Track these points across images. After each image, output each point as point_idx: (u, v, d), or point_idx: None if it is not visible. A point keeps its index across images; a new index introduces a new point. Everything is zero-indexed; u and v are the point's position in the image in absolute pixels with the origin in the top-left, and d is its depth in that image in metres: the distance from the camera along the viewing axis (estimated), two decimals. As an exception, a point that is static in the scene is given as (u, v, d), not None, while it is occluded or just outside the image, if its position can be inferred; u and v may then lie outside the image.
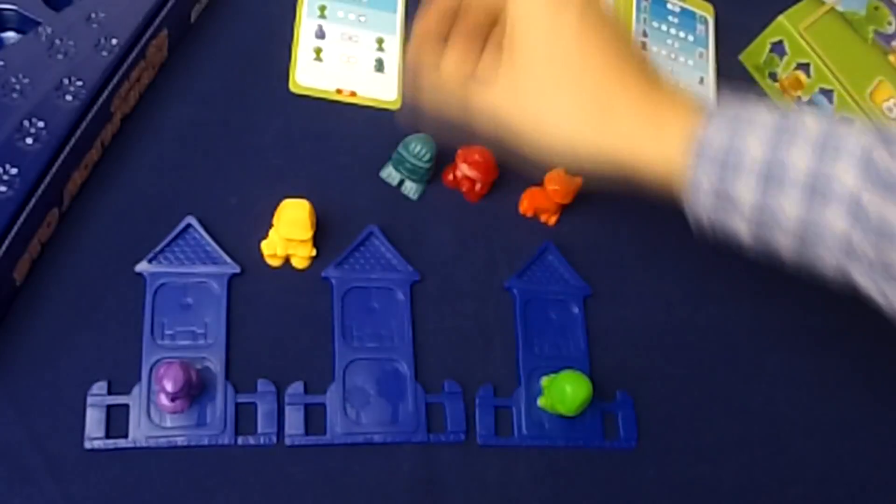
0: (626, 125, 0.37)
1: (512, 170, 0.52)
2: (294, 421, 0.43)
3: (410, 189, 0.50)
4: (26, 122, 0.41)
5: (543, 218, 0.52)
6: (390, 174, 0.50)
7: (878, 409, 0.53)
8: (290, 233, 0.44)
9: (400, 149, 0.48)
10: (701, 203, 0.37)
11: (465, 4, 0.42)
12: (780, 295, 0.54)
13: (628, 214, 0.54)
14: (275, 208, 0.45)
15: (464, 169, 0.50)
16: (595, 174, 0.39)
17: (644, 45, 0.57)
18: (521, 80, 0.39)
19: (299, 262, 0.46)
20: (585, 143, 0.38)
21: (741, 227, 0.36)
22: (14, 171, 0.40)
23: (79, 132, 0.42)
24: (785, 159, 0.34)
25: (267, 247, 0.46)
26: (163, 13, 0.47)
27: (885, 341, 0.54)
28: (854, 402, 0.53)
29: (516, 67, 0.39)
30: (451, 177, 0.51)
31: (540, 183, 0.50)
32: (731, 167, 0.35)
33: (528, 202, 0.51)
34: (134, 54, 0.45)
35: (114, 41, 0.44)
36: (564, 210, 0.52)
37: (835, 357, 0.54)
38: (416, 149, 0.47)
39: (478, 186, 0.50)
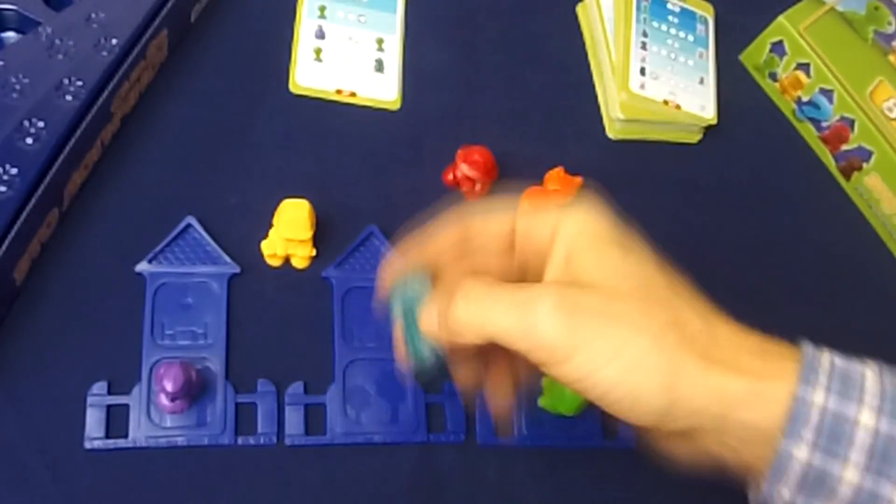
0: (736, 362, 0.31)
1: (513, 170, 0.52)
2: (294, 421, 0.43)
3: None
4: (26, 122, 0.41)
5: None
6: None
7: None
8: (290, 233, 0.44)
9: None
10: (804, 438, 0.30)
11: (471, 235, 0.35)
12: (781, 295, 0.54)
13: (628, 214, 0.54)
14: (275, 208, 0.45)
15: (464, 169, 0.50)
16: (666, 431, 0.32)
17: (644, 46, 0.57)
18: (599, 304, 0.30)
19: (299, 262, 0.46)
20: (689, 387, 0.30)
21: (852, 475, 0.29)
22: (14, 171, 0.40)
23: (79, 132, 0.42)
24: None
25: (267, 247, 0.46)
26: (163, 13, 0.47)
27: (885, 341, 0.54)
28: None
29: (592, 288, 0.31)
30: (451, 177, 0.51)
31: (540, 183, 0.50)
32: (837, 438, 0.29)
33: (527, 202, 0.51)
34: (134, 54, 0.45)
35: (114, 41, 0.44)
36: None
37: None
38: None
39: (478, 186, 0.50)
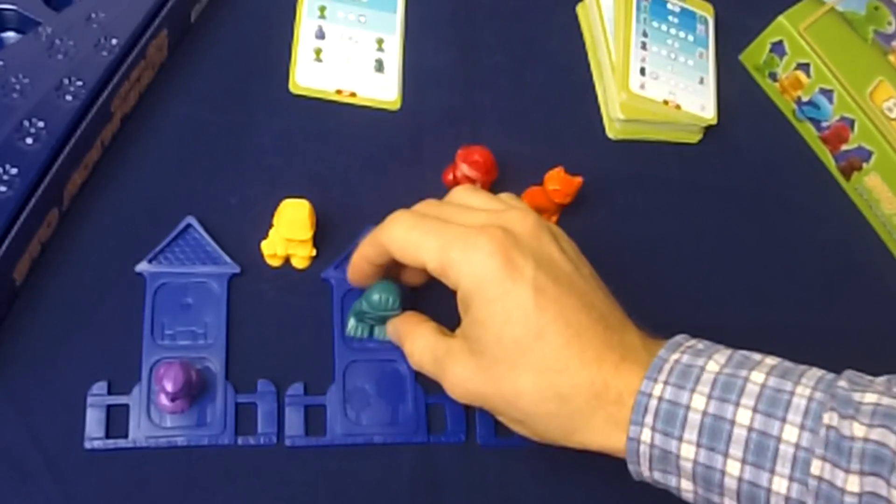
0: (580, 405, 0.37)
1: (513, 170, 0.52)
2: (294, 421, 0.43)
3: (385, 331, 0.46)
4: (26, 122, 0.41)
5: (543, 218, 0.52)
6: (357, 328, 0.45)
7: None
8: (290, 233, 0.44)
9: (363, 307, 0.43)
10: (642, 462, 0.36)
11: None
12: (780, 295, 0.54)
13: (628, 214, 0.54)
14: (275, 208, 0.45)
15: (464, 169, 0.50)
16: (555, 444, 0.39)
17: (644, 45, 0.57)
18: (490, 360, 0.38)
19: (299, 262, 0.46)
20: (546, 424, 0.38)
21: (687, 451, 0.35)
22: (14, 171, 0.40)
23: (79, 132, 0.42)
24: (728, 415, 0.34)
25: (267, 247, 0.46)
26: (163, 13, 0.47)
27: (885, 341, 0.54)
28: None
29: (475, 347, 0.38)
30: (451, 177, 0.51)
31: (540, 183, 0.50)
32: (674, 422, 0.35)
33: (527, 202, 0.51)
34: (134, 54, 0.45)
35: (114, 41, 0.44)
36: (564, 210, 0.52)
37: (835, 357, 0.54)
38: (379, 300, 0.42)
39: (478, 186, 0.50)
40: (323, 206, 0.47)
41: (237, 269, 0.45)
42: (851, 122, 0.56)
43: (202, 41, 0.52)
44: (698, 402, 0.34)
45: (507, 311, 0.36)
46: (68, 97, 0.42)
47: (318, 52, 0.53)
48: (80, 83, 0.43)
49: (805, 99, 0.59)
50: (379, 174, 0.51)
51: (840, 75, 0.56)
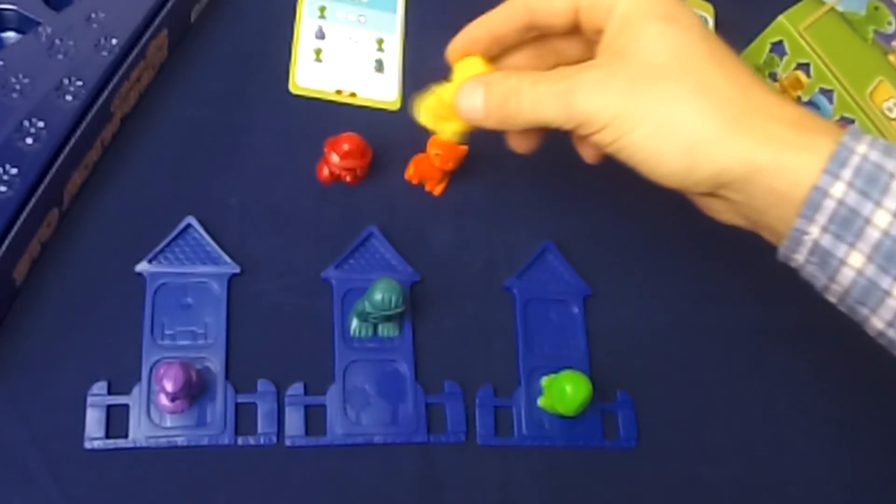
0: (766, 130, 0.32)
1: (512, 169, 0.52)
2: (294, 421, 0.43)
3: (389, 329, 0.46)
4: (26, 122, 0.41)
5: (429, 187, 0.51)
6: (360, 328, 0.45)
7: (878, 408, 0.53)
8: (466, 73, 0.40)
9: (365, 307, 0.43)
10: (817, 222, 0.32)
11: (535, 18, 0.38)
12: (781, 295, 0.54)
13: (628, 214, 0.54)
14: (274, 208, 0.45)
15: (336, 160, 0.48)
16: (692, 193, 0.36)
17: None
18: (636, 74, 0.34)
19: (443, 136, 0.42)
20: (711, 150, 0.33)
21: (855, 261, 0.32)
22: (14, 171, 0.40)
23: (79, 132, 0.42)
24: None
25: (427, 108, 0.42)
26: (163, 13, 0.47)
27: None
28: (854, 402, 0.53)
29: (631, 59, 0.34)
30: (325, 172, 0.49)
31: (425, 150, 0.49)
32: (880, 186, 0.31)
33: (414, 169, 0.50)
34: (134, 54, 0.45)
35: (114, 41, 0.44)
36: (564, 209, 0.52)
37: (835, 357, 0.54)
38: (381, 299, 0.41)
39: (358, 171, 0.49)
40: (323, 206, 0.47)
41: (237, 269, 0.45)
42: (851, 122, 0.56)
43: (202, 41, 0.52)
44: None
45: (673, 32, 0.34)
46: (68, 97, 0.42)
47: (318, 52, 0.53)
48: (80, 83, 0.43)
49: (805, 99, 0.59)
50: (379, 174, 0.50)
51: (840, 75, 0.56)
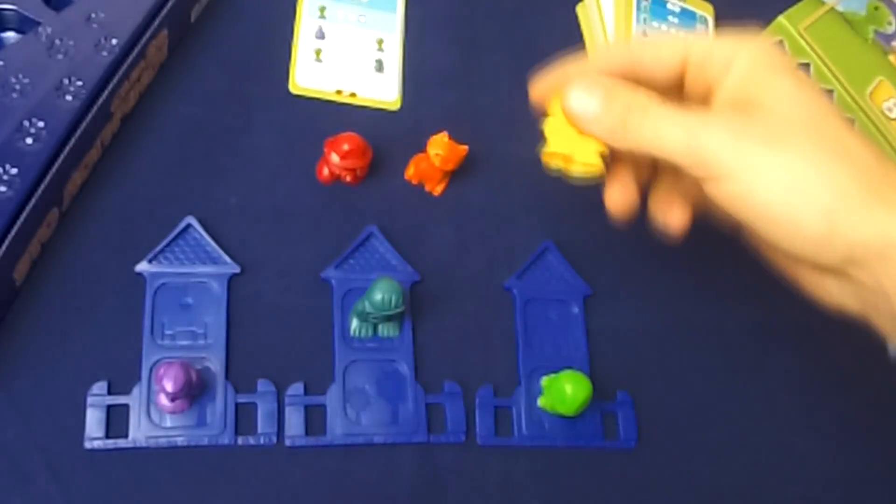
0: (858, 236, 0.30)
1: (512, 170, 0.52)
2: (294, 421, 0.43)
3: (389, 329, 0.46)
4: (26, 122, 0.41)
5: (429, 187, 0.50)
6: (360, 328, 0.45)
7: (878, 409, 0.53)
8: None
9: (365, 307, 0.43)
10: None
11: (638, 66, 0.36)
12: (780, 295, 0.54)
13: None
14: (274, 208, 0.45)
15: (336, 160, 0.47)
16: (816, 265, 0.33)
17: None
18: (774, 125, 0.31)
19: (578, 169, 0.38)
20: (852, 218, 0.30)
21: None
22: (14, 171, 0.40)
23: (79, 132, 0.42)
24: None
25: (554, 141, 0.37)
26: (163, 13, 0.47)
27: (885, 342, 0.54)
28: (854, 402, 0.53)
29: (766, 112, 0.32)
30: (325, 172, 0.49)
31: (425, 149, 0.49)
32: None
33: (414, 169, 0.50)
34: (134, 54, 0.45)
35: (114, 41, 0.44)
36: (564, 209, 0.52)
37: (835, 357, 0.54)
38: (382, 299, 0.41)
39: (358, 172, 0.49)
40: (323, 206, 0.47)
41: (237, 269, 0.45)
42: (851, 122, 0.56)
43: (202, 41, 0.52)
44: None
45: (810, 88, 0.32)
46: (68, 97, 0.42)
47: (318, 52, 0.53)
48: (80, 83, 0.43)
49: (805, 99, 0.59)
50: (379, 174, 0.50)
51: (840, 75, 0.56)
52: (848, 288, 0.32)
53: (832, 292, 0.34)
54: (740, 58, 0.33)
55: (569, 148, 0.37)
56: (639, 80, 0.36)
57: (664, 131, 0.33)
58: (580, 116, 0.35)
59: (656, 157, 0.34)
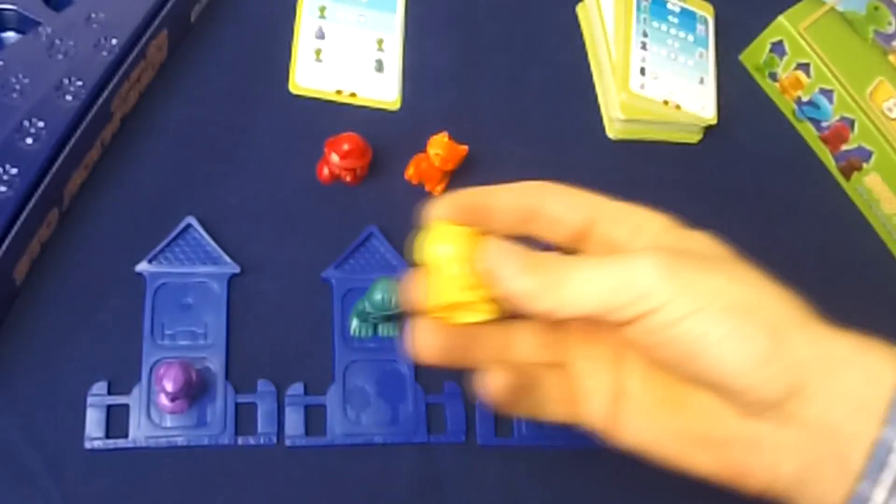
0: (835, 331, 0.30)
1: (512, 170, 0.52)
2: (294, 421, 0.43)
3: (389, 329, 0.45)
4: (26, 122, 0.41)
5: (429, 187, 0.50)
6: (360, 328, 0.45)
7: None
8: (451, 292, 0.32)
9: (365, 307, 0.43)
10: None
11: (540, 216, 0.34)
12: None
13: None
14: (274, 208, 0.45)
15: (336, 160, 0.47)
16: (757, 398, 0.29)
17: (644, 46, 0.57)
18: (700, 256, 0.30)
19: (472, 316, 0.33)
20: (797, 334, 0.29)
21: None
22: (14, 171, 0.40)
23: (79, 132, 0.42)
24: None
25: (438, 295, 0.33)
26: (163, 13, 0.47)
27: (885, 340, 0.54)
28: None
29: (693, 253, 0.31)
30: (325, 172, 0.49)
31: (424, 149, 0.49)
32: None
33: (414, 169, 0.50)
34: (134, 54, 0.45)
35: (114, 41, 0.44)
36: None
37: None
38: (382, 299, 0.41)
39: (358, 171, 0.49)
40: (323, 206, 0.47)
41: (237, 269, 0.45)
42: (851, 122, 0.56)
43: (202, 41, 0.52)
44: None
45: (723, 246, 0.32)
46: (68, 97, 0.42)
47: (318, 52, 0.53)
48: (80, 83, 0.43)
49: (805, 99, 0.59)
50: (379, 175, 0.50)
51: (840, 75, 0.56)
52: (787, 438, 0.29)
53: (766, 451, 0.30)
54: (653, 222, 0.33)
55: (457, 296, 0.32)
56: (538, 228, 0.34)
57: (590, 285, 0.30)
58: (494, 277, 0.31)
59: (569, 317, 0.30)
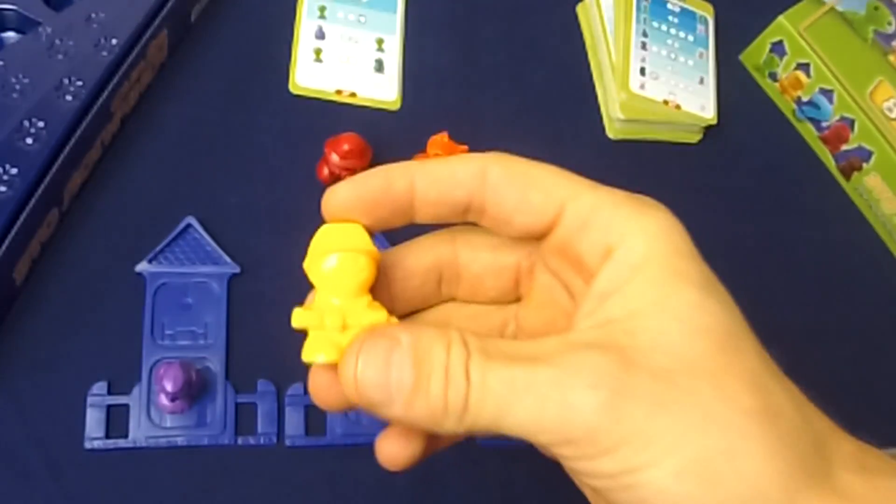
0: (835, 483, 0.23)
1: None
2: (294, 421, 0.43)
3: None
4: (26, 122, 0.41)
5: None
6: None
7: (878, 409, 0.53)
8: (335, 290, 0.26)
9: None
10: None
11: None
12: (780, 295, 0.54)
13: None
14: (275, 208, 0.45)
15: (336, 160, 0.47)
16: None
17: (644, 45, 0.57)
18: (664, 369, 0.22)
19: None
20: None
21: None
22: (14, 171, 0.40)
23: (79, 132, 0.42)
24: None
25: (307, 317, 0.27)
26: (163, 13, 0.47)
27: (885, 341, 0.54)
28: (855, 402, 0.53)
29: (651, 345, 0.22)
30: (325, 172, 0.49)
31: (425, 149, 0.49)
32: None
33: None
34: (134, 54, 0.45)
35: (114, 41, 0.44)
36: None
37: (835, 357, 0.54)
38: None
39: (358, 171, 0.49)
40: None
41: (237, 269, 0.45)
42: (851, 122, 0.56)
43: (202, 41, 0.52)
44: None
45: (712, 310, 0.25)
46: (68, 97, 0.42)
47: (318, 52, 0.53)
48: (80, 83, 0.43)
49: (805, 99, 0.59)
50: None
51: (840, 75, 0.56)
52: None
53: None
54: (629, 248, 0.24)
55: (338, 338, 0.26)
56: (479, 220, 0.27)
57: (508, 404, 0.22)
58: (373, 399, 0.23)
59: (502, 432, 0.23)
